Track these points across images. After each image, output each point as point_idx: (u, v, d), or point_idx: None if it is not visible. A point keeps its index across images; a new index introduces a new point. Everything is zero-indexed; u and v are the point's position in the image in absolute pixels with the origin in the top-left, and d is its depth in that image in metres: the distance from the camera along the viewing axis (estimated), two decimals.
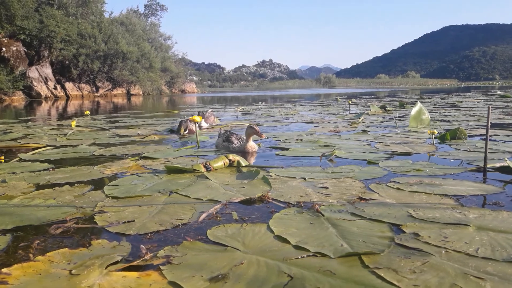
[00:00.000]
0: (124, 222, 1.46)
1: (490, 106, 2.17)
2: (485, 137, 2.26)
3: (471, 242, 1.22)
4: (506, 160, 2.22)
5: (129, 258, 1.16)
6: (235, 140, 3.09)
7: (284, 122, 5.67)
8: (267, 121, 5.86)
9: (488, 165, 2.25)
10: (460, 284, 0.96)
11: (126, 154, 3.02)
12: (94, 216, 1.53)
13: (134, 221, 1.48)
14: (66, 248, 1.23)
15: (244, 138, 3.06)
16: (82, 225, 1.45)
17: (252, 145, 3.00)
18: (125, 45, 28.52)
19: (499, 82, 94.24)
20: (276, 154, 2.90)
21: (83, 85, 26.83)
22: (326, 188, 1.90)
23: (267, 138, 2.58)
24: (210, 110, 5.43)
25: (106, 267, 1.09)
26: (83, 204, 1.71)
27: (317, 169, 2.34)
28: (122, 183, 2.05)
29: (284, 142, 3.52)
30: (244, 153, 2.91)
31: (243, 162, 2.45)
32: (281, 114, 7.13)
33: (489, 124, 2.16)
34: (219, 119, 5.92)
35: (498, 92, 18.21)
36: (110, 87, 29.10)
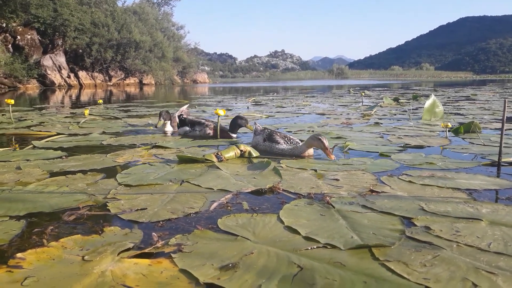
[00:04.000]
0: (137, 210, 1.48)
1: (506, 99, 2.13)
2: (500, 130, 2.22)
3: (483, 236, 1.21)
4: None
5: (141, 246, 1.18)
6: (281, 139, 2.62)
7: (295, 113, 5.64)
8: (278, 112, 5.85)
9: (503, 160, 2.22)
10: (472, 278, 0.96)
11: (138, 143, 3.04)
12: (107, 204, 1.55)
13: (146, 209, 1.49)
14: (79, 235, 1.25)
15: (291, 138, 2.63)
16: (94, 212, 1.47)
17: (310, 152, 2.53)
18: (138, 34, 28.56)
19: None
20: None
21: (96, 74, 27.02)
22: (337, 180, 1.89)
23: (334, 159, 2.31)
24: (185, 107, 3.91)
25: (118, 254, 1.10)
26: (96, 191, 1.73)
27: (328, 161, 2.33)
28: (134, 172, 2.07)
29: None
30: (295, 157, 2.51)
31: (254, 153, 2.45)
32: (292, 105, 7.10)
33: (505, 117, 2.12)
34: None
35: None
36: (122, 76, 29.27)
